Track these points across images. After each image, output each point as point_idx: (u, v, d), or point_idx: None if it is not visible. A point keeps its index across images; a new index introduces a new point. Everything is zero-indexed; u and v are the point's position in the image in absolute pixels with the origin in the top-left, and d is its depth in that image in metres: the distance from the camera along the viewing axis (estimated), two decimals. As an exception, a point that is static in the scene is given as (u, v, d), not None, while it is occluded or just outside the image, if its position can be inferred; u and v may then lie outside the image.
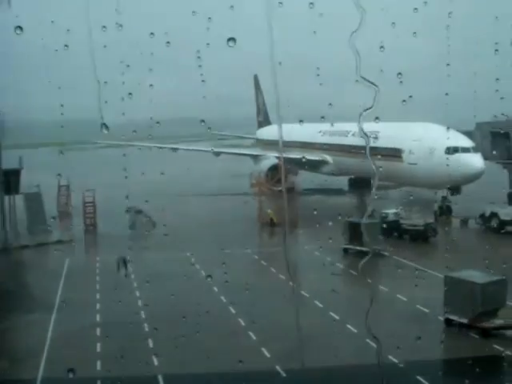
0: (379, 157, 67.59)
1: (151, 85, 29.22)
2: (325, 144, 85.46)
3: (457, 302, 31.61)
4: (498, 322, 31.07)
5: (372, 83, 7.88)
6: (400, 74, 17.46)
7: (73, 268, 45.06)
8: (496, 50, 20.94)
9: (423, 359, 27.66)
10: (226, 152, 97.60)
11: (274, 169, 75.32)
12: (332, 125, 76.13)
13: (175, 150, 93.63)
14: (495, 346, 29.22)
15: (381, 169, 68.85)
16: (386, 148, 66.50)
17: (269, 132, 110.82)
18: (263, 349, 29.11)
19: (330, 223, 44.31)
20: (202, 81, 19.10)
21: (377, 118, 11.82)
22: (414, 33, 19.57)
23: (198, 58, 17.44)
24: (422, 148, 61.13)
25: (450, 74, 22.18)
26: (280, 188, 70.97)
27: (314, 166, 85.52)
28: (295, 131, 70.70)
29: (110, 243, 52.50)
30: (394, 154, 64.94)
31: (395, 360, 26.94)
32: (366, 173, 71.88)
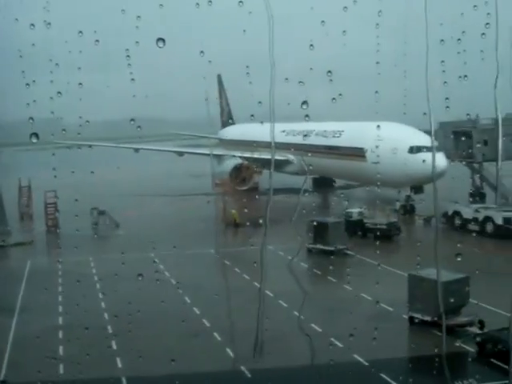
0: (343, 156, 68.43)
1: (108, 86, 28.88)
2: (289, 144, 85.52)
3: (420, 300, 31.76)
4: (462, 319, 31.28)
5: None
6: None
7: (34, 270, 44.45)
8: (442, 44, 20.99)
9: (387, 357, 27.73)
10: (189, 152, 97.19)
11: (237, 169, 75.22)
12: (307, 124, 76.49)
13: (137, 150, 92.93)
14: (458, 343, 29.43)
15: (344, 168, 69.35)
16: (349, 147, 66.94)
17: (232, 132, 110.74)
18: (228, 349, 28.91)
19: (294, 223, 44.24)
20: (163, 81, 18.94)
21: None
22: (344, 31, 19.47)
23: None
24: (386, 147, 61.43)
25: (380, 72, 22.13)
26: (244, 188, 71.14)
27: (278, 165, 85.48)
28: (258, 131, 70.67)
29: (72, 244, 51.81)
30: (358, 153, 65.23)
31: (360, 358, 27.00)
32: (329, 172, 72.25)
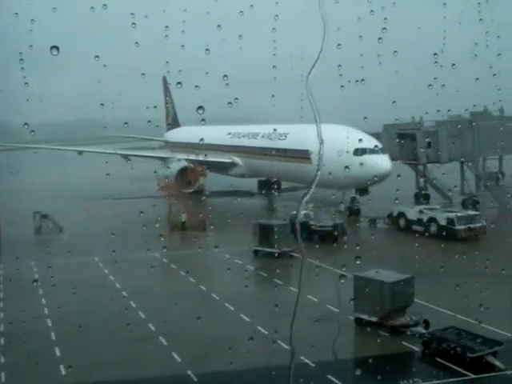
0: (289, 158, 68.57)
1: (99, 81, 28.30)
2: (234, 146, 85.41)
3: (366, 301, 31.94)
4: (407, 319, 31.55)
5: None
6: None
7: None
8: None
9: (334, 358, 27.75)
10: (135, 154, 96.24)
11: (183, 171, 74.74)
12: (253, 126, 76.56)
13: (81, 152, 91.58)
14: (404, 343, 29.68)
15: (290, 170, 69.53)
16: (294, 150, 67.06)
17: (178, 134, 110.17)
18: (174, 354, 28.62)
19: (240, 225, 44.27)
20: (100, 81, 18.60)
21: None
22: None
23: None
24: (331, 149, 61.68)
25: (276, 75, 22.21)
26: (190, 190, 70.72)
27: (224, 168, 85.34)
28: (204, 133, 70.34)
29: (13, 249, 50.83)
30: (303, 155, 65.35)
31: (307, 360, 26.97)
32: (275, 174, 72.34)
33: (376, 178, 58.33)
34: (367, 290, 32.10)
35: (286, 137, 72.43)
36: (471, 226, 50.83)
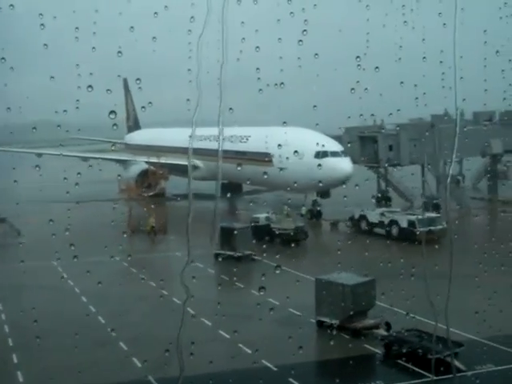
0: (250, 161, 68.43)
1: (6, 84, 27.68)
2: (196, 149, 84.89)
3: (328, 304, 31.93)
4: (368, 322, 31.59)
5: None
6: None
7: None
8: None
9: (296, 362, 27.64)
10: (94, 157, 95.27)
11: (143, 174, 74.26)
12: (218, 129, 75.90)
13: (40, 155, 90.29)
14: (365, 345, 29.69)
15: (251, 173, 69.39)
16: (256, 152, 66.99)
17: (139, 137, 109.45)
18: (134, 359, 28.24)
19: (201, 228, 43.87)
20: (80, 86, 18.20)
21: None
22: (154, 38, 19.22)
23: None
24: (292, 152, 61.72)
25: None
26: (150, 193, 70.24)
27: (185, 171, 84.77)
28: (165, 136, 69.93)
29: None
30: (265, 158, 65.31)
31: (268, 364, 26.83)
32: (236, 177, 72.13)
33: (337, 181, 58.53)
34: (328, 293, 32.11)
35: (247, 139, 72.37)
36: (432, 228, 51.16)
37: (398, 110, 28.92)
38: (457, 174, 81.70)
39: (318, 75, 33.14)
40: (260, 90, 21.37)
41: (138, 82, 17.49)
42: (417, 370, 26.61)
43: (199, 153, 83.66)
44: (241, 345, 28.59)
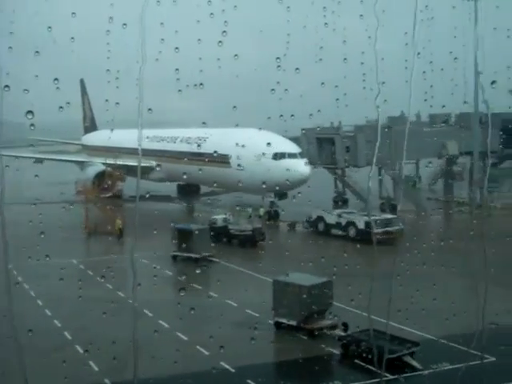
0: (208, 163, 68.27)
1: None
2: (153, 150, 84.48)
3: (285, 305, 31.94)
4: (325, 322, 31.70)
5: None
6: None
7: None
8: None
9: (254, 363, 27.64)
10: (50, 158, 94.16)
11: (100, 175, 73.55)
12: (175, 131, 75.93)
13: None
14: (323, 346, 29.77)
15: (209, 174, 69.23)
16: (214, 154, 66.77)
17: (96, 138, 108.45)
18: (91, 362, 27.90)
19: (159, 230, 43.65)
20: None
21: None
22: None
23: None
24: (250, 154, 61.73)
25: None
26: (107, 195, 69.62)
27: (142, 172, 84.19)
28: (121, 137, 69.33)
29: None
30: (222, 159, 65.26)
31: (226, 366, 26.76)
32: (194, 179, 71.93)
33: (295, 183, 58.67)
34: (286, 294, 32.13)
35: (205, 141, 72.14)
36: (389, 229, 51.58)
37: (319, 111, 28.98)
38: (413, 176, 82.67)
39: (238, 76, 33.04)
40: (179, 90, 21.28)
41: (55, 82, 17.21)
42: (374, 369, 26.76)
43: (157, 154, 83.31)
44: (198, 347, 28.48)
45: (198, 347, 28.36)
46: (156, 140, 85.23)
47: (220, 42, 17.76)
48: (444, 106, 36.62)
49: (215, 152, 65.92)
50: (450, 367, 26.21)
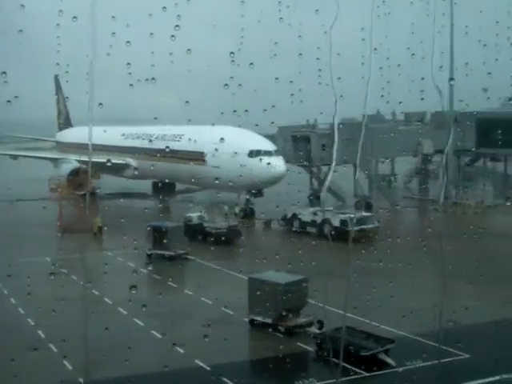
0: (183, 160, 68.11)
1: None
2: (129, 147, 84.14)
3: (261, 303, 31.89)
4: (301, 320, 31.71)
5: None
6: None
7: None
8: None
9: (229, 361, 27.59)
10: (24, 155, 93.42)
11: (75, 173, 73.11)
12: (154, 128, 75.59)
13: None
14: (298, 343, 29.79)
15: (184, 172, 69.03)
16: (189, 151, 66.67)
17: (70, 134, 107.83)
18: (65, 361, 27.66)
19: (134, 228, 43.51)
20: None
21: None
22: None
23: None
24: (225, 151, 61.55)
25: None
26: (82, 192, 69.14)
27: (118, 169, 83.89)
28: (98, 134, 68.86)
29: None
30: (198, 157, 65.16)
31: (201, 363, 26.71)
32: (170, 176, 71.71)
33: (270, 180, 58.74)
34: (261, 292, 32.06)
35: (180, 138, 71.92)
36: (364, 227, 51.74)
37: (273, 107, 28.95)
38: (389, 174, 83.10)
39: (191, 71, 32.82)
40: (131, 85, 21.12)
41: (3, 75, 17.05)
42: (349, 367, 26.83)
43: (132, 151, 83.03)
44: (173, 345, 28.36)
45: (172, 345, 28.25)
46: (131, 137, 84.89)
47: (173, 36, 17.64)
48: (401, 103, 36.50)
49: (190, 150, 65.85)
50: (425, 364, 26.35)
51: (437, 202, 68.92)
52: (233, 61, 19.64)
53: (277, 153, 62.64)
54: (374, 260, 36.21)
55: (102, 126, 67.14)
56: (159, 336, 30.14)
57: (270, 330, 30.94)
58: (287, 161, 63.27)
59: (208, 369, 26.44)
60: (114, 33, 18.03)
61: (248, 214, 63.68)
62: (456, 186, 73.90)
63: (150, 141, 77.25)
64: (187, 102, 24.17)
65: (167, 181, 76.30)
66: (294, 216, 58.37)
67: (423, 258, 35.58)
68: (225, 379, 25.77)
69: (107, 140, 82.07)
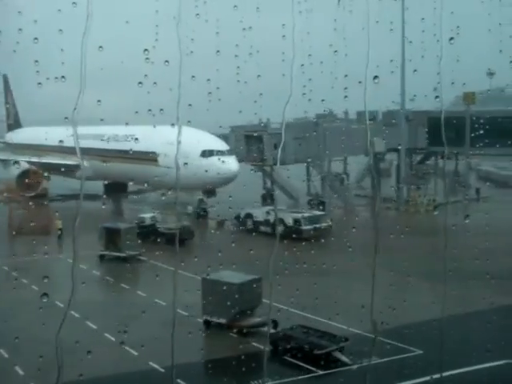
0: (136, 161, 67.63)
1: None
2: (80, 148, 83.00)
3: (215, 304, 31.81)
4: (255, 320, 31.67)
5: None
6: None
7: None
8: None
9: (183, 362, 27.38)
10: None
11: (24, 174, 72.07)
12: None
13: None
14: (253, 343, 29.74)
15: (136, 172, 68.55)
16: (141, 151, 66.20)
17: (20, 135, 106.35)
18: (16, 367, 27.22)
19: (86, 229, 42.94)
20: None
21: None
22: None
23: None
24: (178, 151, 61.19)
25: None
26: (32, 194, 68.25)
27: (69, 170, 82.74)
28: (46, 135, 67.97)
29: None
30: (150, 157, 64.72)
31: (155, 365, 26.51)
32: (122, 177, 71.13)
33: (223, 180, 58.64)
34: (215, 292, 31.99)
35: (133, 138, 71.37)
36: (317, 226, 52.01)
37: (190, 105, 28.91)
38: (341, 173, 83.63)
39: (103, 69, 32.34)
40: (39, 83, 20.72)
41: None
42: (304, 365, 26.91)
43: (85, 152, 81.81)
44: (127, 347, 28.10)
45: (126, 347, 27.99)
46: (84, 137, 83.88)
47: (84, 33, 17.28)
48: (323, 100, 36.49)
49: (143, 150, 65.38)
50: (379, 361, 26.51)
51: (389, 200, 69.75)
52: (147, 58, 19.26)
53: (230, 152, 62.59)
54: (325, 259, 36.44)
55: (53, 126, 66.30)
56: (112, 338, 29.84)
57: (225, 330, 30.88)
58: (240, 160, 63.24)
59: (162, 370, 26.24)
60: (20, 29, 17.55)
61: (201, 214, 63.51)
62: (408, 184, 74.83)
63: (102, 141, 76.58)
64: (99, 101, 23.78)
65: (119, 181, 75.81)
66: (248, 215, 58.38)
67: (371, 257, 35.84)
68: (179, 381, 25.58)
69: (56, 141, 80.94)
